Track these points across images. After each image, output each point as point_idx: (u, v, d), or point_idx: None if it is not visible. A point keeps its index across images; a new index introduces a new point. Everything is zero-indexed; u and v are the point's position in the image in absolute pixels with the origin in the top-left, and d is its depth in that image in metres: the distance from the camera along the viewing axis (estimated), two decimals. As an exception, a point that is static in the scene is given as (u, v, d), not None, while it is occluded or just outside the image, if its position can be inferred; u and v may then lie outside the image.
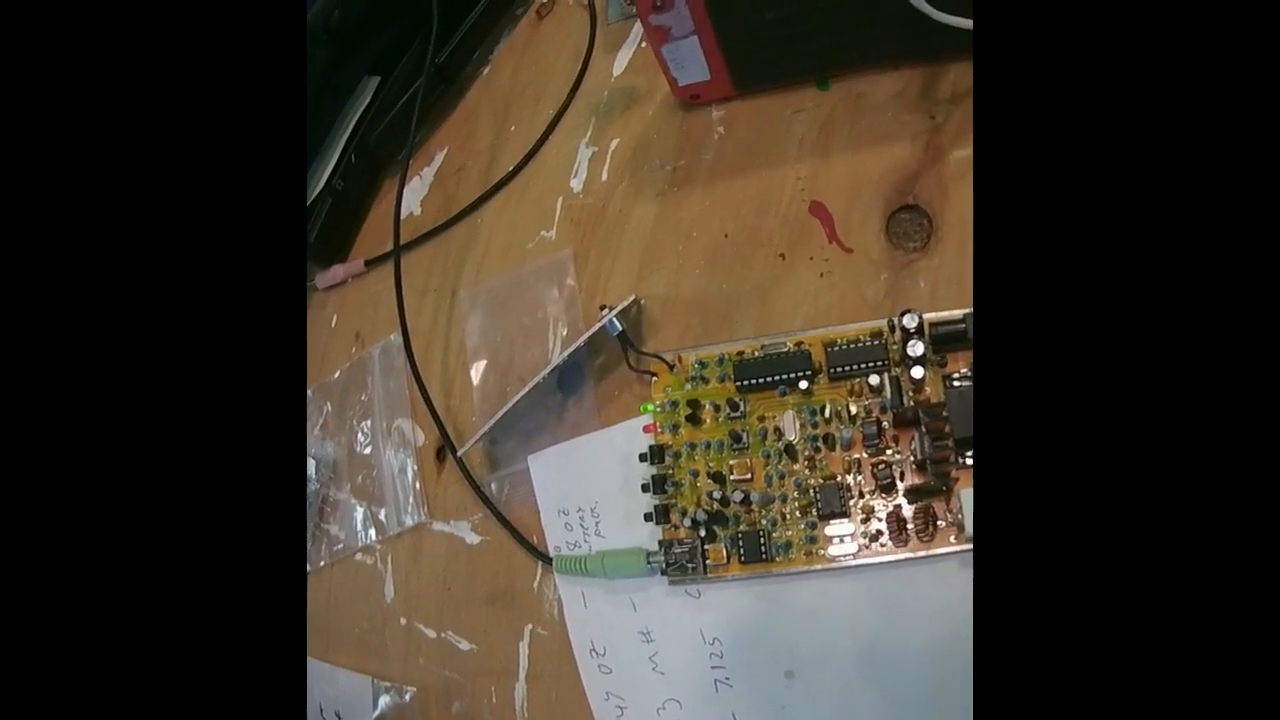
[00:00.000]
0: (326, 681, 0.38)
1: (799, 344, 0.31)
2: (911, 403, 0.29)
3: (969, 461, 0.28)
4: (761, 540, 0.29)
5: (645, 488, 0.31)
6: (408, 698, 0.35)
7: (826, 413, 0.30)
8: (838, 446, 0.29)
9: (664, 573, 0.30)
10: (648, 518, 0.31)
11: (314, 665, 0.38)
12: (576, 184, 0.37)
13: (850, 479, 0.29)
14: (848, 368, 0.30)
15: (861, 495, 0.29)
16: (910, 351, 0.29)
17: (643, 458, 0.31)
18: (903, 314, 0.29)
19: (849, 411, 0.30)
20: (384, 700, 0.36)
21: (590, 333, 0.32)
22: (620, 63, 0.38)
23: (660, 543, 0.30)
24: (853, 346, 0.30)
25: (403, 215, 0.38)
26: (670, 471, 0.31)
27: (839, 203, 0.32)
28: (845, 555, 0.29)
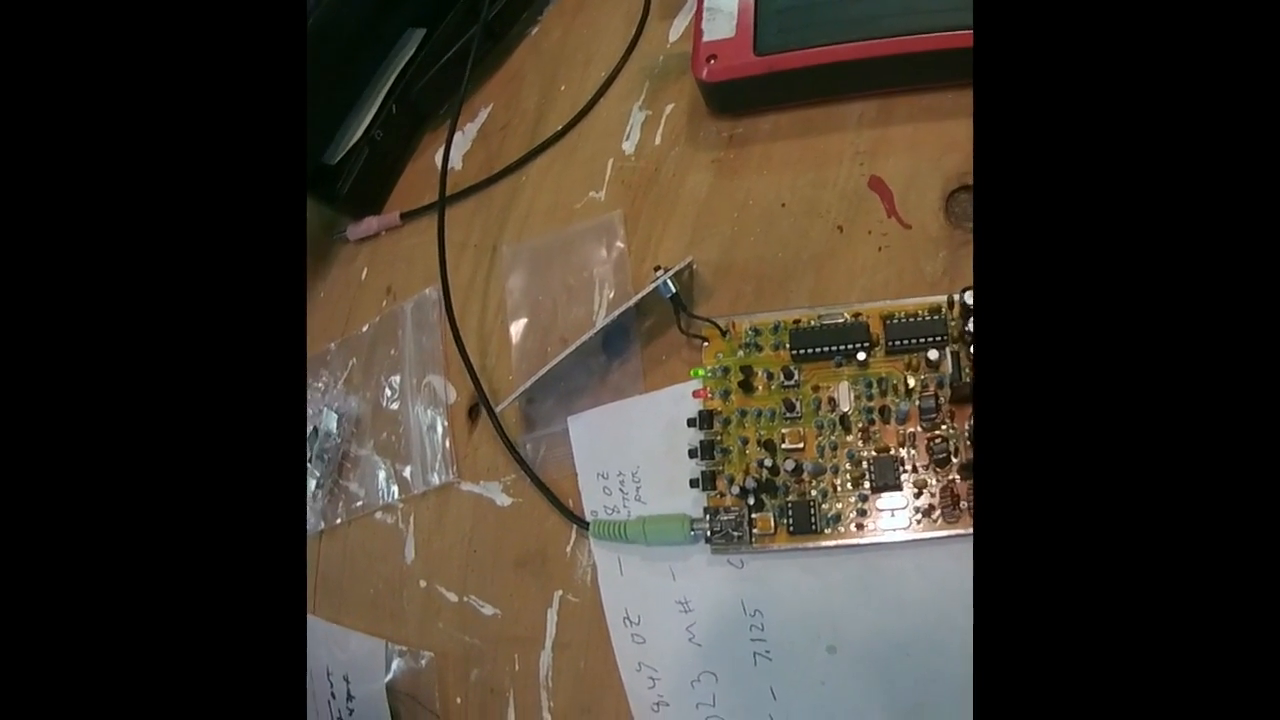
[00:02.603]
0: (336, 644, 0.36)
1: (857, 315, 0.30)
2: (970, 379, 0.29)
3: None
4: (811, 511, 0.29)
5: (692, 453, 0.30)
6: (423, 663, 0.34)
7: (883, 385, 0.29)
8: (893, 419, 0.29)
9: (708, 541, 0.29)
10: (694, 484, 0.30)
11: (324, 627, 0.37)
12: (629, 146, 0.36)
13: (904, 452, 0.29)
14: (906, 341, 0.29)
15: (915, 469, 0.28)
16: (971, 328, 0.28)
17: (691, 423, 0.30)
18: (964, 291, 0.28)
19: (906, 385, 0.29)
20: (397, 664, 0.35)
21: (643, 294, 0.31)
22: (676, 28, 0.38)
23: (705, 510, 0.30)
24: (911, 321, 0.29)
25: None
26: (719, 438, 0.30)
27: (898, 178, 0.32)
28: (896, 529, 0.28)
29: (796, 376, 0.30)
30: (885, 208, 0.32)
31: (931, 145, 0.32)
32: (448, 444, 0.35)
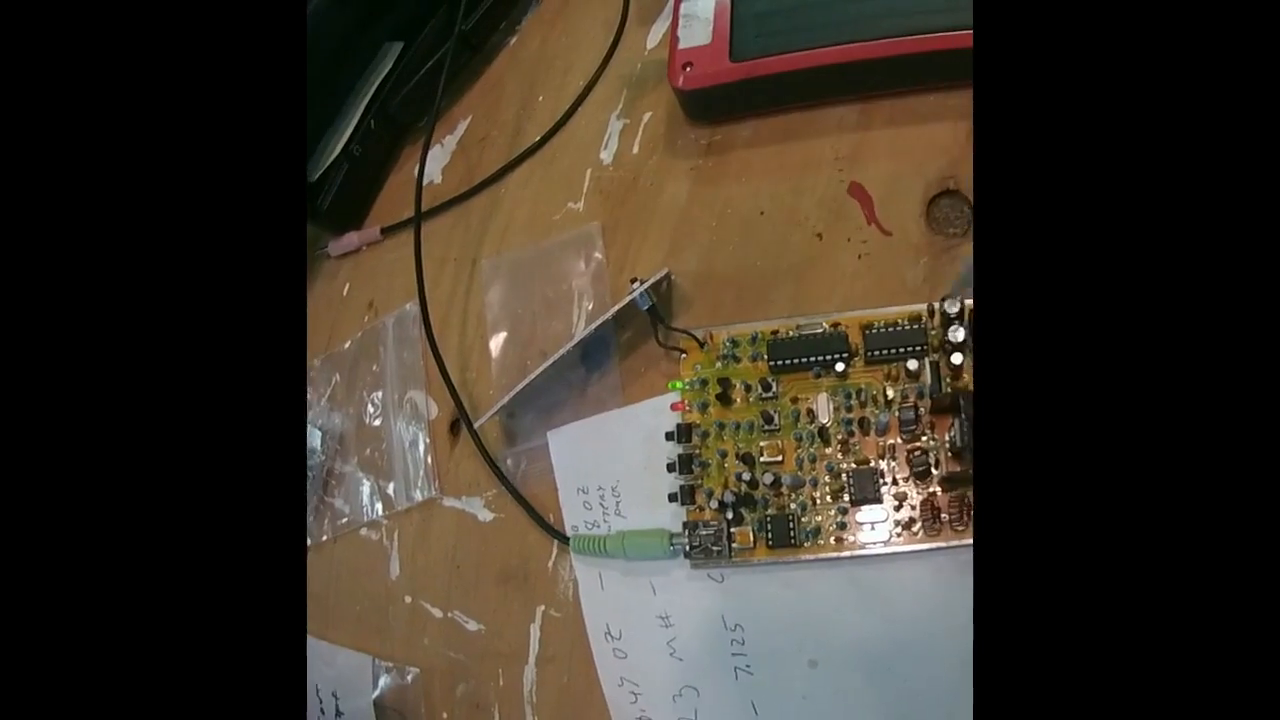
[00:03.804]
0: (324, 660, 0.36)
1: (835, 325, 0.30)
2: (950, 389, 0.28)
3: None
4: (791, 524, 0.28)
5: (671, 467, 0.30)
6: (409, 679, 0.34)
7: (862, 396, 0.29)
8: (872, 431, 0.29)
9: (687, 555, 0.29)
10: (672, 498, 0.30)
11: (311, 643, 0.37)
12: (607, 156, 0.36)
13: (884, 464, 0.28)
14: (885, 351, 0.29)
15: (895, 482, 0.28)
16: (951, 337, 0.28)
17: (669, 436, 0.30)
18: (944, 299, 0.28)
19: (885, 396, 0.29)
20: (384, 680, 0.35)
21: (619, 306, 0.31)
22: (654, 36, 0.37)
23: (684, 524, 0.29)
24: (891, 330, 0.29)
25: (423, 183, 0.37)
26: (698, 451, 0.30)
27: (878, 185, 0.32)
28: (876, 542, 0.28)
29: (775, 388, 0.30)
30: (865, 214, 0.32)
31: (913, 150, 0.32)
32: (430, 460, 0.35)
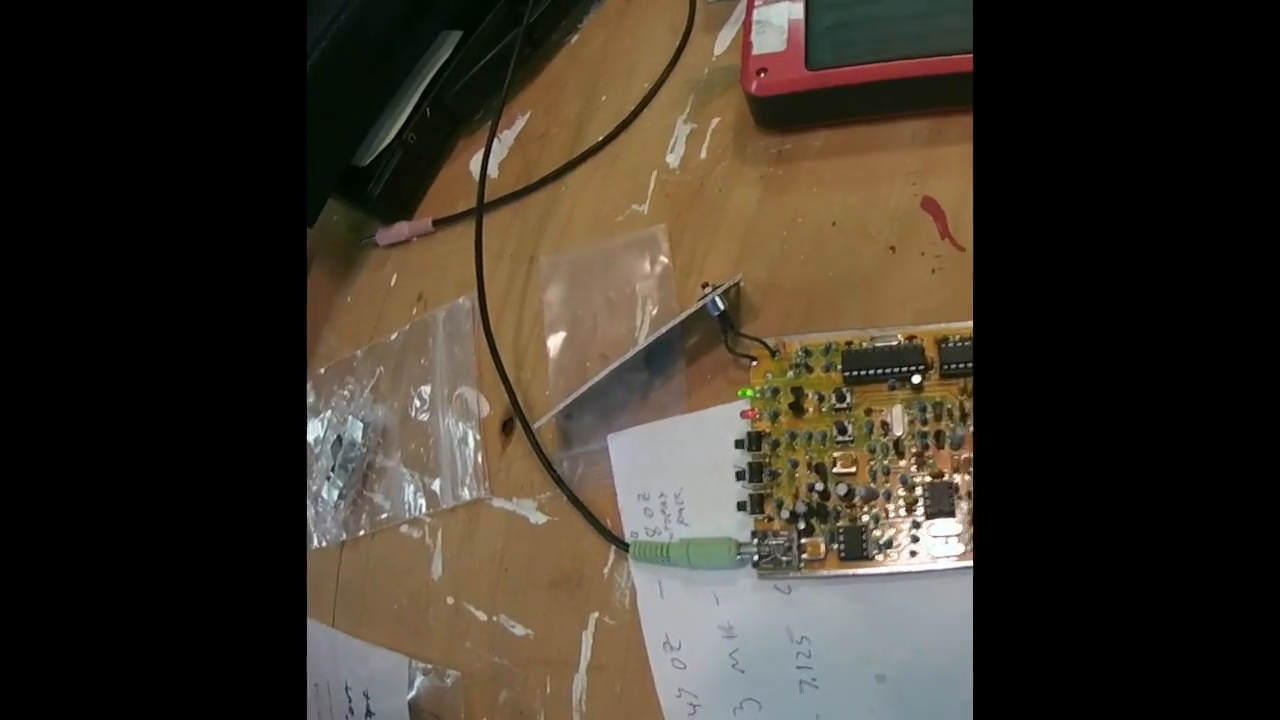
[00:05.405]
0: (357, 659, 0.35)
1: (911, 338, 0.30)
2: (1026, 407, 0.28)
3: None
4: (863, 537, 0.28)
5: (740, 475, 0.30)
6: (449, 682, 0.33)
7: (937, 410, 0.29)
8: (947, 445, 0.28)
9: (755, 565, 0.29)
10: (741, 507, 0.29)
11: (343, 640, 0.36)
12: (673, 159, 0.36)
13: (959, 478, 0.28)
14: (961, 365, 0.29)
15: (969, 496, 0.28)
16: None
17: (739, 444, 0.30)
18: (1021, 316, 0.28)
19: (961, 410, 0.29)
20: (421, 682, 0.34)
21: (689, 311, 0.31)
22: (722, 42, 0.37)
23: (753, 534, 0.29)
24: (967, 344, 0.29)
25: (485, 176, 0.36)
26: (768, 460, 0.30)
27: (951, 199, 0.32)
28: (949, 556, 0.28)
29: (849, 399, 0.29)
30: (938, 229, 0.32)
31: (983, 167, 0.32)
32: (479, 458, 0.34)
